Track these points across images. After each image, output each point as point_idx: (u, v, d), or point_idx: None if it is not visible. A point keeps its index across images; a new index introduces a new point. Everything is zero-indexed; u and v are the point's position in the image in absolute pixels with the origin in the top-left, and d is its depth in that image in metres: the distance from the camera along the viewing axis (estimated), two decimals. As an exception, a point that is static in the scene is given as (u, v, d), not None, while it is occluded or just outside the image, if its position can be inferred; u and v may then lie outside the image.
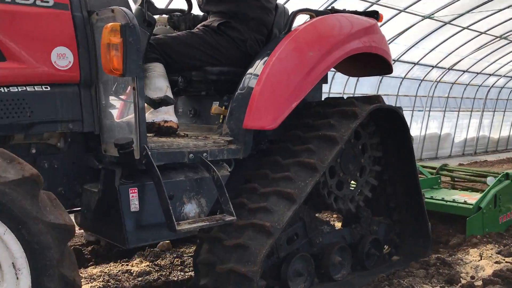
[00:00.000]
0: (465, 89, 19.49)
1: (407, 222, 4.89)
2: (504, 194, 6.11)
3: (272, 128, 3.65)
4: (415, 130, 18.27)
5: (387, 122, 4.44)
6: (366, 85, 16.06)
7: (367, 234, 4.55)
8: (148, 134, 3.15)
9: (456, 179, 7.68)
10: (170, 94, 3.44)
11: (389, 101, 17.53)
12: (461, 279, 4.28)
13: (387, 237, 4.85)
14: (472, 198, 6.01)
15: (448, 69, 17.58)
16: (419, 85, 17.86)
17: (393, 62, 5.09)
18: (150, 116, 3.40)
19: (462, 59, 16.90)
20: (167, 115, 3.47)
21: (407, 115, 18.33)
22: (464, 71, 18.28)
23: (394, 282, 4.08)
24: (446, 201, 6.07)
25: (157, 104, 3.37)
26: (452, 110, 19.66)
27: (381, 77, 15.84)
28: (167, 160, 3.11)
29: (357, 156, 4.26)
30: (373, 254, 4.56)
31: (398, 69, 15.56)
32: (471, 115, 20.58)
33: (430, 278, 4.23)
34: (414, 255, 4.84)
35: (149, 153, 2.89)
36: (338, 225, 5.29)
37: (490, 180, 6.64)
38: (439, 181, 7.18)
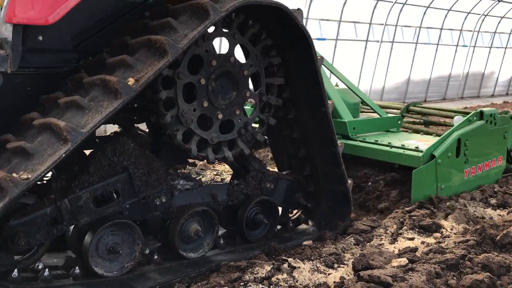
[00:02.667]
0: (514, 23, 17.92)
1: (320, 180, 3.93)
2: (473, 138, 4.73)
3: (46, 22, 2.69)
4: (458, 68, 16.92)
5: (290, 39, 3.57)
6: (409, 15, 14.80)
7: (255, 194, 3.63)
8: None
9: (428, 123, 6.48)
10: None
11: (430, 36, 15.96)
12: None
13: (291, 199, 3.89)
14: (431, 143, 4.63)
15: (498, 0, 15.81)
16: (465, 18, 16.19)
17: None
18: None
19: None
20: None
21: (450, 51, 16.91)
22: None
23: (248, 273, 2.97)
24: (392, 146, 4.74)
25: None
26: (498, 46, 17.95)
27: (425, 7, 14.36)
28: None
29: (237, 82, 3.34)
30: (261, 221, 3.63)
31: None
32: (518, 53, 19.00)
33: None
34: (329, 224, 3.91)
35: None
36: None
37: (457, 120, 5.37)
38: (399, 122, 5.85)
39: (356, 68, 15.79)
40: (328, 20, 14.94)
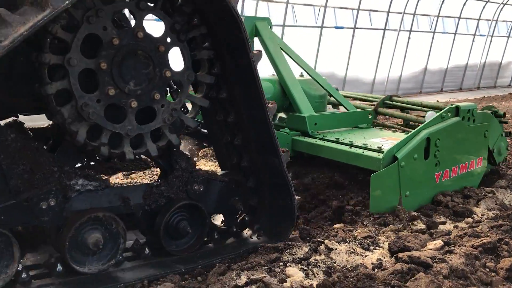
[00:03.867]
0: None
1: (263, 182, 3.45)
2: (446, 138, 4.18)
3: None
4: (475, 57, 16.60)
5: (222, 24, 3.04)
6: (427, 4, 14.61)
7: (179, 197, 3.11)
8: None
9: (406, 119, 5.68)
10: None
11: (448, 26, 15.66)
12: None
13: (227, 203, 3.37)
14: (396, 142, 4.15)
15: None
16: (483, 7, 15.78)
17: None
18: None
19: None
20: None
21: (468, 40, 16.50)
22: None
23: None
24: (352, 146, 4.27)
25: None
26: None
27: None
28: None
29: (152, 60, 2.78)
30: (184, 230, 3.09)
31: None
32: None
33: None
34: (274, 234, 3.44)
35: None
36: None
37: (429, 116, 4.68)
38: (369, 117, 5.35)
39: (374, 57, 15.56)
40: (346, 8, 14.75)
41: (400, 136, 4.51)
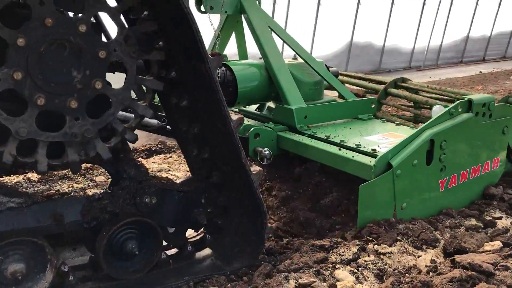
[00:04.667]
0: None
1: (230, 196, 2.97)
2: (454, 138, 3.61)
3: None
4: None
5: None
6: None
7: (126, 212, 2.64)
8: None
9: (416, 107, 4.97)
10: None
11: None
12: None
13: (187, 217, 2.88)
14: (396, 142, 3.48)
15: None
16: None
17: None
18: None
19: None
20: None
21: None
22: None
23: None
24: (342, 146, 3.69)
25: None
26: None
27: None
28: None
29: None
30: (131, 251, 2.65)
31: None
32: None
33: None
34: (239, 258, 2.98)
35: None
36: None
37: (436, 112, 4.00)
38: (372, 106, 4.63)
39: (413, 26, 14.94)
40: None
41: (404, 132, 3.92)
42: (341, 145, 3.71)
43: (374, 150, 3.52)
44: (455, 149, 3.66)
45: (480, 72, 14.44)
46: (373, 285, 2.69)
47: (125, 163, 2.66)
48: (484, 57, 17.28)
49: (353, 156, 3.47)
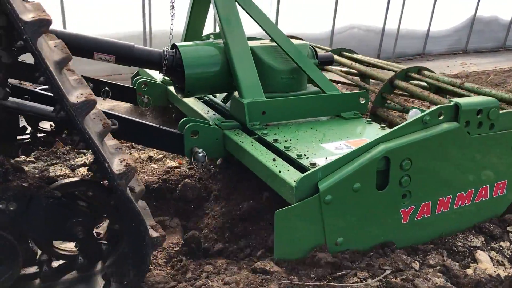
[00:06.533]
0: None
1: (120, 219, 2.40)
2: (425, 156, 2.66)
3: None
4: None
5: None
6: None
7: None
8: None
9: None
10: None
11: None
12: None
13: (62, 228, 2.33)
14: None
15: None
16: None
17: None
18: None
19: None
20: None
21: None
22: None
23: None
24: (281, 156, 2.91)
25: None
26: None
27: None
28: None
29: None
30: None
31: None
32: None
33: None
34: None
35: None
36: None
37: (412, 115, 2.83)
38: (362, 102, 3.72)
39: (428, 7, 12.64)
40: None
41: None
42: (281, 154, 2.95)
43: (313, 164, 2.69)
44: (429, 169, 2.72)
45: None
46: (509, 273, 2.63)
47: None
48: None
49: (280, 171, 2.67)
